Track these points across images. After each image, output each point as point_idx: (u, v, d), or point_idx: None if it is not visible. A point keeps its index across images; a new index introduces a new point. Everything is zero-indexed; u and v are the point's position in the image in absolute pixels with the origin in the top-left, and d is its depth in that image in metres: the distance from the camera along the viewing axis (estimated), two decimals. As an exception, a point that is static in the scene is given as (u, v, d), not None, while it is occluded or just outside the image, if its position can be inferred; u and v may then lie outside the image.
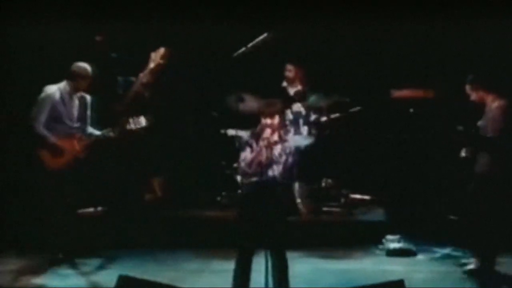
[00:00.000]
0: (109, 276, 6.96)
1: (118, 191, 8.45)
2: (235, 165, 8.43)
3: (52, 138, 7.51)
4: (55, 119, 7.57)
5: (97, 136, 7.69)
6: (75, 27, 8.38)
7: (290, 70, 8.92)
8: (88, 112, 7.73)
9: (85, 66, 7.64)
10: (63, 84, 7.63)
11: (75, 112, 7.65)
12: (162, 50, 8.07)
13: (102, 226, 8.17)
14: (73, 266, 7.45)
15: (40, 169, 7.57)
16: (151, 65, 8.09)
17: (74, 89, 7.66)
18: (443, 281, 7.12)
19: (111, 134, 7.67)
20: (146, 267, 7.37)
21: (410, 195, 8.90)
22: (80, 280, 7.12)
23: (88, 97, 7.76)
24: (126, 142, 8.12)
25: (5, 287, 6.95)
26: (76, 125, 7.64)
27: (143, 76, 8.15)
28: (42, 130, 7.51)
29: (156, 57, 8.07)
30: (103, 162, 8.35)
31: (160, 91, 8.30)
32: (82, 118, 7.68)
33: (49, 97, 7.57)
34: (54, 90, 7.60)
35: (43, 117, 7.52)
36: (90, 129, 7.73)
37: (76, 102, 7.66)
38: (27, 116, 7.58)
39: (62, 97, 7.60)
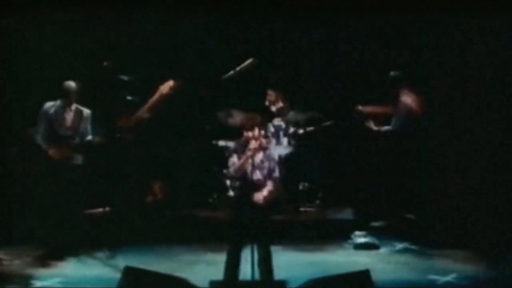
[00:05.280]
0: (116, 267, 7.13)
1: (124, 194, 8.50)
2: (224, 171, 8.46)
3: (45, 147, 7.64)
4: (51, 130, 7.70)
5: (88, 141, 7.74)
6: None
7: (270, 95, 8.92)
8: (84, 123, 7.78)
9: (70, 83, 7.73)
10: (58, 101, 7.77)
11: (69, 123, 7.74)
12: (170, 83, 7.92)
13: (110, 224, 8.25)
14: (83, 258, 7.56)
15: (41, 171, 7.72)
16: (156, 97, 7.94)
17: (66, 104, 7.76)
18: (402, 270, 7.27)
19: (97, 139, 7.72)
20: (148, 259, 7.43)
21: (374, 197, 8.85)
22: (91, 271, 7.21)
23: (85, 110, 7.82)
24: (128, 151, 8.18)
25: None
26: (70, 134, 7.72)
27: (147, 107, 7.98)
28: (39, 140, 7.68)
29: (163, 90, 7.94)
30: (109, 168, 8.44)
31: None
32: (76, 128, 7.75)
33: (45, 112, 7.74)
34: (49, 106, 7.76)
35: (41, 129, 7.69)
36: (89, 137, 7.78)
37: (71, 114, 7.76)
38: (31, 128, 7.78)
39: (56, 112, 7.73)
